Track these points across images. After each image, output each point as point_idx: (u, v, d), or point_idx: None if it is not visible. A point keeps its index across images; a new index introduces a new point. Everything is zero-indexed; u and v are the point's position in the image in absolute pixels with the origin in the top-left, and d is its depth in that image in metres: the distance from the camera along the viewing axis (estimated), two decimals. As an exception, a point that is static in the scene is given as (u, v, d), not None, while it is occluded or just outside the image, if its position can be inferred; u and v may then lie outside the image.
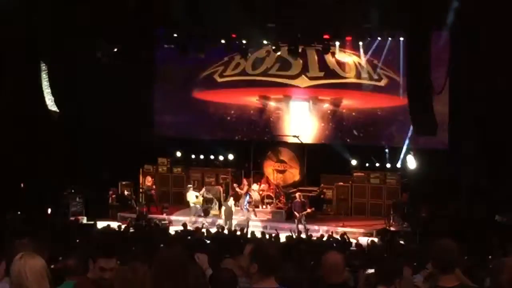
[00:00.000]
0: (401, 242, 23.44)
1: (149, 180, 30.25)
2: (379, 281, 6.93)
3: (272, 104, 32.41)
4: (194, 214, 28.20)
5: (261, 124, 32.47)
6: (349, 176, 30.10)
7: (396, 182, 29.25)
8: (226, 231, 24.02)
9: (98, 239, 18.83)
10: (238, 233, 23.55)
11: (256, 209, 28.41)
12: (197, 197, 28.65)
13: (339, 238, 23.07)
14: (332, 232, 24.98)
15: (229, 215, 27.16)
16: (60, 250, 11.77)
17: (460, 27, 25.26)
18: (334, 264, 7.24)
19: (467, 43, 25.58)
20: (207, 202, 28.92)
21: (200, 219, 27.95)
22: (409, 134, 28.31)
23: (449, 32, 26.61)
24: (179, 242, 19.44)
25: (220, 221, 27.31)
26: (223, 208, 27.65)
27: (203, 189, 29.24)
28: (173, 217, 28.41)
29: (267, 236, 22.73)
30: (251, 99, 32.73)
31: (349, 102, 31.51)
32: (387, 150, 29.96)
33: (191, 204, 28.67)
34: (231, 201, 27.56)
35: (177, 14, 26.92)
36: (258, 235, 23.27)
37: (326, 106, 31.78)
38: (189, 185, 29.64)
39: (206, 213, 28.65)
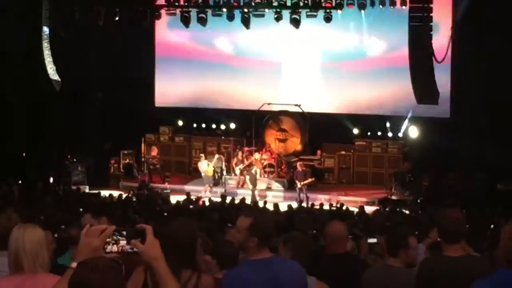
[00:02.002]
0: (403, 211, 23.48)
1: (154, 150, 30.25)
2: (387, 251, 6.99)
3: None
4: (206, 183, 28.22)
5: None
6: (351, 145, 30.11)
7: (397, 151, 29.32)
8: (225, 200, 23.99)
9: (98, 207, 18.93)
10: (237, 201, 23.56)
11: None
12: (208, 165, 28.60)
13: (340, 207, 23.15)
14: (338, 202, 25.00)
15: (254, 182, 27.26)
16: (63, 220, 11.81)
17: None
18: (337, 233, 7.27)
19: (469, 11, 25.46)
20: (217, 171, 28.98)
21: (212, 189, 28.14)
22: (411, 103, 28.29)
23: (452, 1, 26.59)
24: (180, 211, 19.56)
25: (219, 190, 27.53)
26: (247, 176, 27.72)
27: (215, 158, 29.19)
28: (186, 187, 28.36)
29: (268, 206, 22.82)
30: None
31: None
32: (388, 124, 29.93)
33: (202, 174, 28.73)
34: (254, 169, 27.62)
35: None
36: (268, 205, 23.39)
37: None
38: (201, 155, 29.61)
39: (216, 182, 28.71)
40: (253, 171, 27.61)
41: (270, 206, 22.25)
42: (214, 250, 7.10)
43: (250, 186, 27.29)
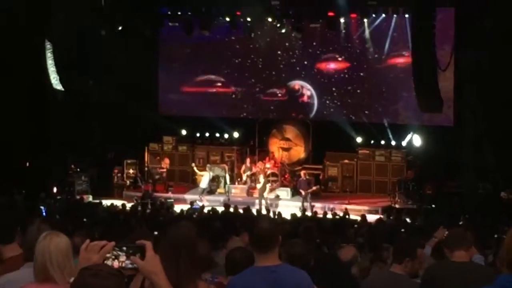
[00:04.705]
0: (407, 219, 23.46)
1: (166, 162, 30.29)
2: (393, 258, 7.13)
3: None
4: (200, 192, 28.24)
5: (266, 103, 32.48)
6: (354, 153, 30.08)
7: (401, 159, 29.24)
8: (231, 209, 23.97)
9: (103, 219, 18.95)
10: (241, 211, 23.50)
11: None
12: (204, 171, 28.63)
13: (344, 215, 23.15)
14: (341, 210, 24.95)
15: (261, 193, 27.24)
16: (66, 229, 11.79)
17: (465, 3, 25.19)
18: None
19: (472, 19, 25.43)
20: (213, 180, 28.93)
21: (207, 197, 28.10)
22: (414, 111, 28.30)
23: (454, 8, 26.62)
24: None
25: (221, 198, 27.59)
26: (258, 185, 27.69)
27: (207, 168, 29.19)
28: (186, 196, 28.55)
29: (271, 214, 22.81)
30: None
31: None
32: (390, 133, 29.88)
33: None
34: (261, 178, 27.55)
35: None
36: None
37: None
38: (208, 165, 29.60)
39: (210, 191, 28.69)
40: (260, 181, 27.55)
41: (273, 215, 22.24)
42: (227, 257, 7.09)
43: (265, 195, 27.28)
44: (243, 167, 29.21)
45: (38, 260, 5.39)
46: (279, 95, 32.24)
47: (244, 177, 28.78)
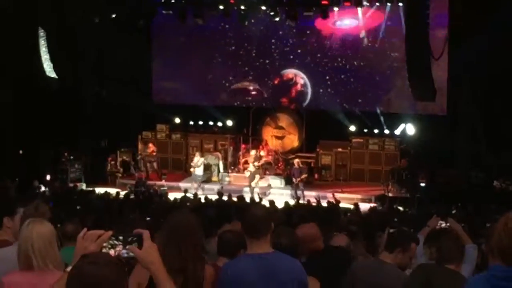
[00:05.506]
0: (399, 208, 23.47)
1: (151, 147, 30.17)
2: (385, 246, 7.11)
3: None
4: (194, 180, 28.17)
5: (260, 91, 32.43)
6: (348, 142, 30.09)
7: (394, 148, 29.28)
8: (225, 197, 23.92)
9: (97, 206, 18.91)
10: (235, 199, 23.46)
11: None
12: (199, 160, 28.48)
13: (337, 204, 23.14)
14: (334, 199, 24.92)
15: (250, 181, 27.29)
16: (59, 216, 11.77)
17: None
18: (309, 235, 7.46)
19: (466, 7, 25.40)
20: (206, 169, 28.86)
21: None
22: (408, 100, 28.29)
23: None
24: (178, 209, 19.49)
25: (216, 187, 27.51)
26: (247, 173, 27.62)
27: (197, 155, 29.04)
28: (181, 184, 28.51)
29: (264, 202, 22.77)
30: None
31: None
32: (382, 120, 29.91)
33: (191, 170, 28.70)
34: (251, 167, 27.45)
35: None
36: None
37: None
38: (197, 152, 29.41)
39: (206, 180, 28.64)
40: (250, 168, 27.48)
41: (266, 203, 22.19)
42: (219, 239, 7.16)
43: (253, 183, 27.20)
44: (252, 158, 28.44)
45: (21, 247, 5.38)
46: (253, 93, 32.28)
47: (251, 167, 28.10)
